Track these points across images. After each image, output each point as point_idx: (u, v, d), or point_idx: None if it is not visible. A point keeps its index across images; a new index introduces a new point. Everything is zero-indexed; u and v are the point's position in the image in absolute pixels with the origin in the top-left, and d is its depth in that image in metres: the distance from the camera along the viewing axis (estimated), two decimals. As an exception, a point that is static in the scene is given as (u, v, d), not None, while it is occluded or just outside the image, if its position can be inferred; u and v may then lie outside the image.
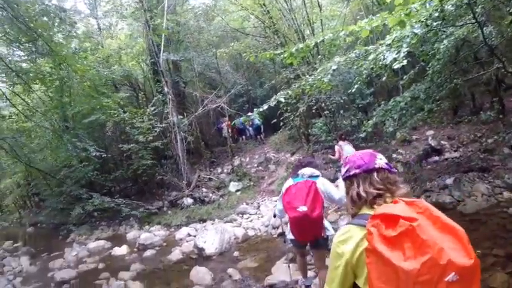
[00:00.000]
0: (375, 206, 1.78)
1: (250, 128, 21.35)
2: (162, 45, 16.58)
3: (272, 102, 6.50)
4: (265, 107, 6.36)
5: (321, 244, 4.65)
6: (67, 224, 16.09)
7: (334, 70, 5.98)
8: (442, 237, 1.51)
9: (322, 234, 4.51)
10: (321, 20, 16.28)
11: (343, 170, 2.02)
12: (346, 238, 1.76)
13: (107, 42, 21.24)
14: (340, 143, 11.13)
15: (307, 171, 4.63)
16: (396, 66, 4.58)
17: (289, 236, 4.83)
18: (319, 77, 6.29)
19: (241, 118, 7.04)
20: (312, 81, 6.47)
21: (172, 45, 19.02)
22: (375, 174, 1.87)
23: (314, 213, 4.21)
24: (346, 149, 10.65)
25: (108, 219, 15.69)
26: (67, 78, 16.16)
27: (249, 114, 6.38)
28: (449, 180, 9.60)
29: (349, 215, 2.02)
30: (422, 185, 10.05)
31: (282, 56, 6.48)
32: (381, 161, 1.93)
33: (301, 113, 12.22)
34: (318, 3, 16.33)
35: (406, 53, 4.64)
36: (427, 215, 1.58)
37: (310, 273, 5.73)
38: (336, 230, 4.43)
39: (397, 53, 4.75)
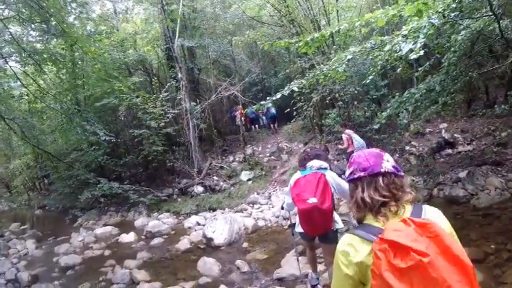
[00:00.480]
0: (379, 217, 1.69)
1: (264, 117, 21.27)
2: (178, 31, 16.43)
3: (286, 91, 6.35)
4: (278, 95, 6.23)
5: (330, 238, 4.44)
6: (75, 208, 16.25)
7: (349, 60, 5.85)
8: (450, 272, 1.42)
9: (332, 228, 4.38)
10: (337, 10, 16.09)
11: (348, 171, 1.90)
12: (352, 252, 1.68)
13: (122, 26, 21.24)
14: (347, 131, 11.20)
15: (315, 163, 4.51)
16: (413, 56, 4.45)
17: (298, 229, 4.72)
18: (333, 67, 6.14)
19: (254, 107, 6.92)
20: (326, 70, 6.32)
21: (188, 31, 18.89)
22: (381, 178, 1.76)
23: (324, 205, 4.09)
24: (356, 138, 10.78)
25: (117, 205, 15.76)
26: (79, 60, 16.29)
27: (262, 102, 6.23)
28: (462, 174, 9.53)
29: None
30: (436, 178, 9.93)
31: (297, 45, 6.35)
32: (387, 163, 1.80)
33: (314, 103, 12.08)
34: (335, -6, 16.13)
35: (422, 43, 4.51)
36: (437, 243, 1.48)
37: (319, 267, 5.55)
38: (344, 222, 4.51)
39: (413, 44, 4.60)
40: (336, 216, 4.52)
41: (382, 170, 1.76)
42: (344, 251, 1.70)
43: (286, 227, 9.31)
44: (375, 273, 1.51)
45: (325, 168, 4.48)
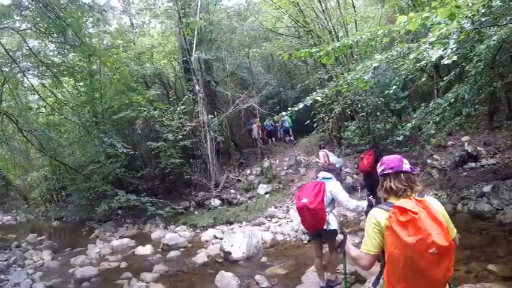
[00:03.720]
0: (399, 198, 2.58)
1: (281, 130, 21.16)
2: (195, 43, 16.51)
3: (308, 101, 6.19)
4: (300, 105, 6.07)
5: (329, 236, 5.34)
6: (92, 220, 16.14)
7: (375, 68, 5.65)
8: (432, 226, 2.30)
9: (325, 227, 5.27)
10: (355, 20, 15.93)
11: (379, 169, 2.79)
12: (377, 218, 2.58)
13: (139, 40, 21.30)
14: (323, 151, 12.42)
15: (322, 174, 5.66)
16: (446, 62, 4.33)
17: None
18: (358, 76, 5.96)
19: (275, 117, 6.81)
20: (350, 79, 6.14)
21: (205, 44, 18.93)
22: (402, 175, 2.66)
23: (312, 205, 5.09)
24: (331, 155, 12.30)
25: (134, 217, 15.67)
26: (97, 72, 16.34)
27: (283, 113, 6.21)
28: (486, 188, 9.28)
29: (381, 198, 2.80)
30: (460, 192, 9.75)
31: (317, 54, 6.28)
32: (406, 165, 2.70)
33: (335, 114, 11.94)
34: (353, 4, 15.94)
35: (454, 49, 4.35)
36: (427, 210, 2.38)
37: (326, 275, 5.88)
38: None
39: (443, 50, 4.47)
40: (331, 218, 5.37)
41: (403, 169, 2.67)
42: (373, 215, 2.64)
43: (305, 241, 9.11)
44: (388, 227, 2.43)
45: (329, 178, 5.54)
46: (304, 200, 5.17)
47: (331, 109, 12.26)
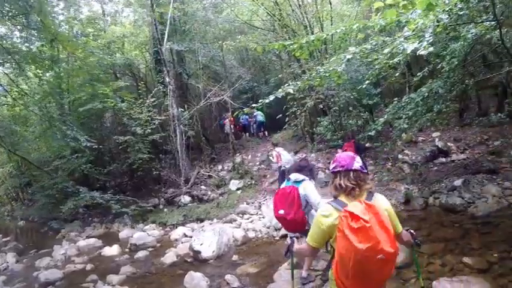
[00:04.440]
0: (348, 196, 2.67)
1: (254, 125, 21.05)
2: (167, 33, 16.15)
3: (279, 94, 5.95)
4: (271, 97, 5.83)
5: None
6: (58, 219, 15.58)
7: (348, 60, 5.47)
8: (381, 234, 2.41)
9: (307, 228, 5.03)
10: (331, 17, 15.90)
11: (331, 166, 2.87)
12: (328, 214, 2.66)
13: (111, 29, 20.70)
14: (277, 149, 12.52)
15: (293, 176, 5.42)
16: (421, 53, 4.24)
17: None
18: (331, 68, 5.77)
19: (245, 109, 6.54)
20: (323, 72, 5.95)
21: (178, 35, 18.59)
22: (352, 173, 2.71)
23: (289, 216, 5.03)
24: (284, 154, 12.22)
25: (101, 216, 15.19)
26: (64, 61, 15.87)
27: (254, 105, 5.90)
28: (457, 182, 9.39)
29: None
30: (431, 186, 9.82)
31: (291, 47, 6.05)
32: (357, 164, 2.76)
33: (307, 109, 11.84)
34: (329, 1, 15.90)
35: (430, 40, 4.31)
36: (376, 217, 2.47)
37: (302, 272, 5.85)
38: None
39: (419, 43, 4.39)
40: (310, 218, 5.23)
41: (354, 168, 2.73)
42: (323, 214, 2.69)
43: (278, 237, 8.92)
44: (339, 229, 2.52)
45: (301, 181, 5.34)
46: (281, 212, 5.11)
47: (304, 103, 12.16)
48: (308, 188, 5.28)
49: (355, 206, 2.52)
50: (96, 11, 21.46)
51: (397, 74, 9.42)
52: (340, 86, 12.03)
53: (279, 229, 8.97)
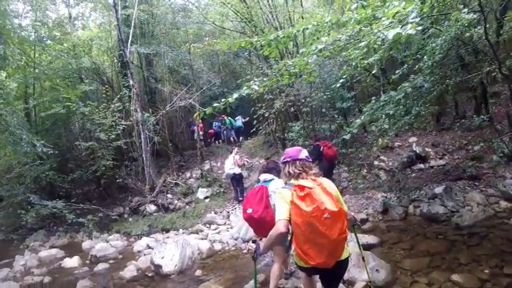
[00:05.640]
0: (298, 180, 3.21)
1: (225, 132, 20.41)
2: (131, 35, 15.62)
3: (244, 92, 5.46)
4: (235, 96, 5.34)
5: None
6: (24, 228, 14.80)
7: (320, 51, 4.92)
8: (325, 197, 2.98)
9: None
10: (303, 18, 15.59)
11: (281, 158, 3.49)
12: (284, 194, 3.18)
13: (77, 33, 20.04)
14: (233, 155, 12.77)
15: (263, 177, 5.32)
16: (410, 32, 3.74)
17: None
18: (302, 60, 5.20)
19: (206, 110, 5.94)
20: (292, 65, 5.37)
21: (146, 38, 18.20)
22: (298, 162, 3.32)
23: (256, 214, 4.85)
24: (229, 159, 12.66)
25: (67, 225, 14.20)
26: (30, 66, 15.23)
27: (216, 104, 5.28)
28: (438, 189, 9.02)
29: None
30: (410, 194, 9.33)
31: (258, 43, 5.64)
32: (303, 154, 3.39)
33: (277, 111, 11.33)
34: (301, 3, 15.54)
35: (417, 19, 3.93)
36: (320, 186, 3.09)
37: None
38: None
39: (402, 27, 3.92)
40: None
41: (299, 157, 3.35)
42: (280, 193, 3.23)
43: (245, 250, 8.30)
44: (292, 201, 3.08)
45: (270, 180, 5.20)
46: (249, 211, 4.96)
47: (272, 104, 11.66)
48: (277, 184, 5.01)
49: (303, 181, 3.14)
50: (63, 14, 20.56)
51: (370, 76, 9.00)
52: (313, 86, 11.59)
53: (247, 241, 8.43)
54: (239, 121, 19.77)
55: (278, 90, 12.00)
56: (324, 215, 2.85)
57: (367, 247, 6.40)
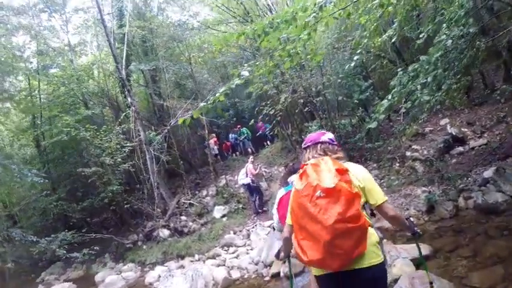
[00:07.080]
0: None
1: (242, 143, 19.79)
2: (124, 51, 15.18)
3: (235, 82, 4.56)
4: (222, 90, 4.56)
5: None
6: (44, 261, 14.57)
7: (321, 8, 3.72)
8: (324, 173, 2.41)
9: None
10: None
11: (303, 144, 3.02)
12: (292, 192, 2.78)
13: (82, 59, 20.12)
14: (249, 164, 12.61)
15: (292, 178, 4.52)
16: None
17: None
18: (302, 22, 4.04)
19: (199, 108, 5.03)
20: (288, 39, 4.24)
21: (148, 55, 17.94)
22: (320, 145, 2.83)
23: None
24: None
25: (83, 255, 13.47)
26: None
27: (200, 106, 4.33)
28: (487, 173, 7.57)
29: None
30: (457, 184, 7.90)
31: (253, 32, 4.88)
32: (326, 137, 2.88)
33: (283, 105, 10.34)
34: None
35: None
36: (324, 161, 2.53)
37: None
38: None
39: None
40: None
41: (321, 140, 2.86)
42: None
43: (268, 277, 7.03)
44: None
45: None
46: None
47: (278, 100, 10.63)
48: None
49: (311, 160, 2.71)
50: (63, 40, 20.39)
51: (385, 61, 7.73)
52: (323, 72, 11.02)
53: (269, 265, 7.22)
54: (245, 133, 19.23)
55: (283, 83, 10.97)
56: (316, 193, 2.31)
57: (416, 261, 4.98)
